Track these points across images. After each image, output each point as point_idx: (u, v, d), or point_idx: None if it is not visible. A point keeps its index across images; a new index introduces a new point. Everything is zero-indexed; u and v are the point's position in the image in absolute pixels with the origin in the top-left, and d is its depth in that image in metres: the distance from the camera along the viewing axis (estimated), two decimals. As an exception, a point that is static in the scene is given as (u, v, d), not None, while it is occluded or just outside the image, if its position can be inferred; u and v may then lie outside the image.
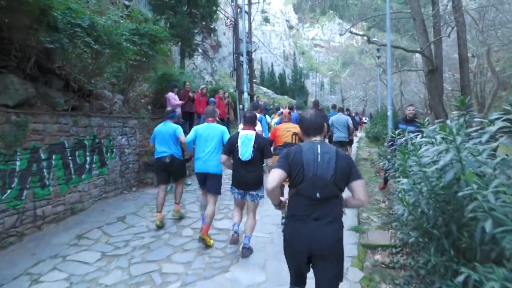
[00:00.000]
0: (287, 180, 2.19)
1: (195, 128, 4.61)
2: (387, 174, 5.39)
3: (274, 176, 2.06)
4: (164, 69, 9.64)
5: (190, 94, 9.11)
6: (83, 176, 6.00)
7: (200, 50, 17.28)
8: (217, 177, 4.41)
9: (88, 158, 6.16)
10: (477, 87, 24.98)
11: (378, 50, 25.21)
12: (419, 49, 12.92)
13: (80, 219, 5.50)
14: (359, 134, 21.41)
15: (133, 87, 8.77)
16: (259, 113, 6.31)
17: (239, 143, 3.90)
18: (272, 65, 60.51)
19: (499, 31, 20.42)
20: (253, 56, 20.41)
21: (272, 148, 4.52)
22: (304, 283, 2.24)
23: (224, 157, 3.98)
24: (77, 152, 5.87)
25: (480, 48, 22.21)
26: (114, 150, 7.00)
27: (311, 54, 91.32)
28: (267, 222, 5.17)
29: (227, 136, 4.32)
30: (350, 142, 9.32)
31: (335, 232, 2.05)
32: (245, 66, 12.56)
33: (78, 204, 5.85)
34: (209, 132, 4.42)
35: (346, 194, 2.20)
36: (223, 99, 11.96)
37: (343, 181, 2.07)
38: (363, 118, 33.70)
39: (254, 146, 3.88)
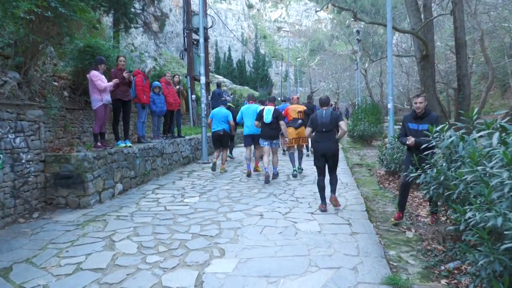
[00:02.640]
0: (302, 140, 8.98)
1: (241, 109, 9.30)
2: (430, 196, 4.23)
3: (308, 130, 6.06)
4: (88, 40, 7.99)
5: (125, 74, 7.53)
6: None
7: (141, 22, 15.45)
8: (258, 136, 8.61)
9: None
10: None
11: (358, 32, 24.67)
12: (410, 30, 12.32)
13: None
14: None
15: (37, 62, 6.98)
16: (268, 105, 8.60)
17: (264, 113, 8.15)
18: (229, 50, 59.10)
19: (493, 14, 20.76)
20: (208, 35, 18.94)
21: (285, 121, 8.83)
22: (324, 174, 5.97)
23: (256, 122, 8.24)
24: None
25: (472, 33, 22.58)
26: None
27: (274, 39, 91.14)
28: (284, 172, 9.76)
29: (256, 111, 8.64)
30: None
31: (335, 146, 5.84)
32: (201, 41, 11.01)
33: None
34: (250, 110, 9.00)
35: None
36: (173, 84, 10.45)
37: (335, 122, 5.81)
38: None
39: (273, 115, 8.10)
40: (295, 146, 9.19)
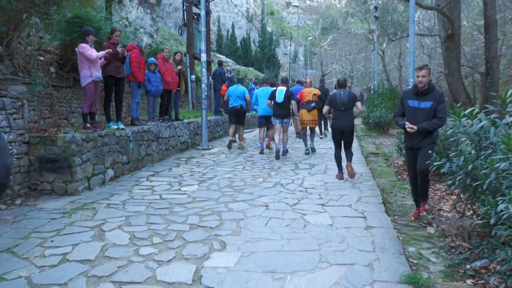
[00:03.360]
0: (313, 123, 10.43)
1: (256, 92, 10.98)
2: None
3: (325, 108, 7.53)
4: (78, 10, 7.88)
5: (119, 49, 7.43)
6: None
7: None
8: (264, 119, 10.40)
9: None
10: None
11: (376, 8, 24.27)
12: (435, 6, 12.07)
13: None
14: None
15: (20, 34, 6.88)
16: (281, 85, 9.77)
17: (276, 93, 9.33)
18: (233, 27, 58.59)
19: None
20: (210, 9, 18.70)
21: (300, 103, 10.30)
22: (340, 148, 7.40)
23: (268, 101, 9.54)
24: None
25: (503, 11, 22.14)
26: (-20, 135, 5.18)
27: (283, 16, 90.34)
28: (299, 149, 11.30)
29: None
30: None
31: (352, 123, 7.26)
32: (203, 13, 10.84)
33: None
34: (265, 93, 10.12)
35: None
36: (175, 64, 10.41)
37: (352, 102, 7.21)
38: None
39: (285, 95, 9.25)
40: (307, 127, 10.53)
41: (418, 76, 4.81)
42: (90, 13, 8.06)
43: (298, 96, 10.41)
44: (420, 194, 5.07)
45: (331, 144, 8.58)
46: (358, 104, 7.32)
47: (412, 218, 5.12)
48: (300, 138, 12.04)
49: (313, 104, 10.13)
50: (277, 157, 9.53)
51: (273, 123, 9.75)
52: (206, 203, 5.79)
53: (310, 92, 10.43)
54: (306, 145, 10.42)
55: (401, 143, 8.45)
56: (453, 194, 5.84)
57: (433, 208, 5.62)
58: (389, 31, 30.38)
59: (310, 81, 11.70)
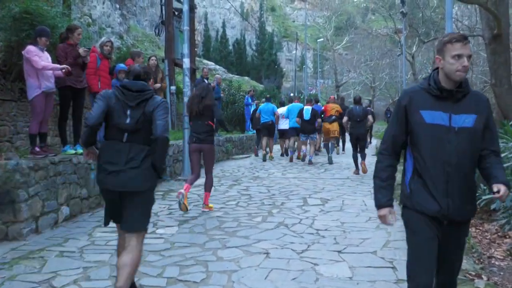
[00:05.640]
0: (334, 133, 16.23)
1: (287, 107, 16.92)
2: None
3: (345, 119, 13.19)
4: (27, 4, 8.04)
5: (81, 51, 7.53)
6: None
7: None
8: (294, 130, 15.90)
9: None
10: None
11: (403, 3, 24.72)
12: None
13: None
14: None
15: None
16: (307, 105, 15.73)
17: (304, 112, 14.59)
18: (224, 27, 59.59)
19: None
20: (195, 3, 19.00)
21: (322, 117, 15.86)
22: (357, 150, 12.80)
23: (297, 119, 14.77)
24: None
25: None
26: None
27: (286, 12, 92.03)
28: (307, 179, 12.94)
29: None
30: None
31: (364, 131, 13.16)
32: (186, 8, 11.01)
33: None
34: (292, 109, 16.07)
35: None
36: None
37: (364, 115, 12.73)
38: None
39: (311, 113, 14.52)
40: (330, 139, 16.07)
41: (455, 56, 2.92)
42: (42, 8, 8.20)
43: (323, 108, 16.55)
44: None
45: (348, 159, 14.22)
46: (370, 117, 13.07)
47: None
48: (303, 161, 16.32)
49: (333, 117, 15.60)
50: (303, 160, 15.39)
51: (301, 139, 15.16)
52: (189, 250, 5.73)
53: (333, 108, 16.07)
54: (328, 153, 15.64)
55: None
56: (507, 236, 5.81)
57: (482, 256, 5.58)
58: (420, 31, 30.91)
59: (334, 98, 19.88)
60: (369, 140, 21.11)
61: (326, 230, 6.74)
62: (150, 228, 6.72)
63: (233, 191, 9.92)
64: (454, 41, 2.94)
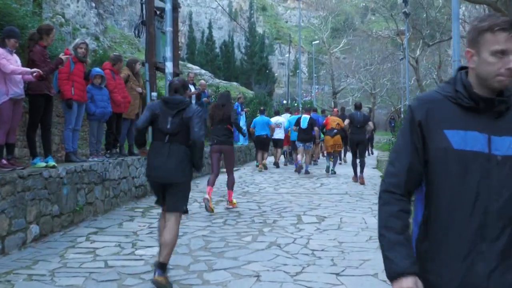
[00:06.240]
0: (337, 147, 16.95)
1: (291, 117, 19.40)
2: None
3: (346, 121, 15.15)
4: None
5: (63, 56, 7.74)
6: None
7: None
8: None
9: None
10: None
11: (405, 2, 24.86)
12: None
13: None
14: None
15: None
16: (304, 114, 16.90)
17: (301, 121, 16.21)
18: (210, 28, 59.86)
19: None
20: (179, 2, 18.99)
21: (324, 131, 17.14)
22: (356, 156, 14.71)
23: (294, 127, 17.06)
24: None
25: None
26: None
27: (278, 12, 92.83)
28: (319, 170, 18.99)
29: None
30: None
31: (364, 137, 15.02)
32: (168, 7, 10.99)
33: None
34: (293, 121, 17.76)
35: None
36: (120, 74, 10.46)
37: (365, 121, 14.79)
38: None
39: (308, 122, 16.08)
40: (332, 151, 16.79)
41: (498, 53, 1.98)
42: (11, 6, 8.15)
43: (324, 122, 17.15)
44: None
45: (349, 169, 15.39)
46: (370, 123, 14.86)
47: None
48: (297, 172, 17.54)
49: (335, 131, 16.03)
50: (299, 171, 16.45)
51: (297, 146, 16.38)
52: (172, 273, 5.63)
53: (334, 121, 16.52)
54: (328, 165, 17.02)
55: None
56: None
57: None
58: (424, 33, 31.04)
59: (337, 110, 21.77)
60: (370, 150, 23.61)
61: (322, 250, 6.70)
62: (128, 248, 6.71)
63: (220, 207, 9.85)
64: (497, 29, 1.98)
